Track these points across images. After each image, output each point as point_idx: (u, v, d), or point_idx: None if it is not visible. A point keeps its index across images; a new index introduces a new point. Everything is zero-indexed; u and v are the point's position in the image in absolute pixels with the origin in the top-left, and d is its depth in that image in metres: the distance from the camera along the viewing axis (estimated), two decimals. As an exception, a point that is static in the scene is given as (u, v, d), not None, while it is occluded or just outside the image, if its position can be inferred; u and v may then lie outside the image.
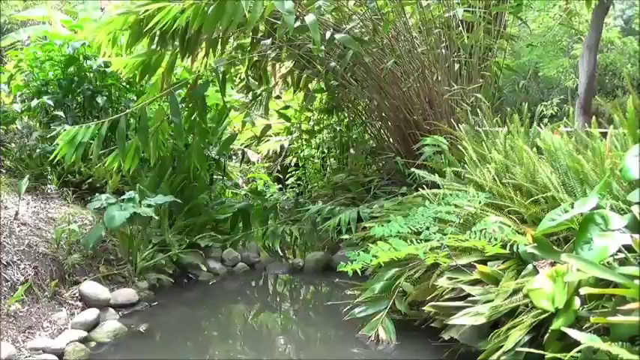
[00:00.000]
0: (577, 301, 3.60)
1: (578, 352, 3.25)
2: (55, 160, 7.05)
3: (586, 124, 5.68)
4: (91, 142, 6.86)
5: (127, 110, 7.23)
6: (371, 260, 4.66)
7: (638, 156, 3.96)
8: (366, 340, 5.20)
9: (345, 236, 6.83)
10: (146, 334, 5.65)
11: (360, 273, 4.85)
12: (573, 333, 3.14)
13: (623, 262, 3.53)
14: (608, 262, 3.52)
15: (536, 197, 4.78)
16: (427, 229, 4.91)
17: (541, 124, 5.94)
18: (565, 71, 12.70)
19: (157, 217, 6.93)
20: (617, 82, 12.81)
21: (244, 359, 5.37)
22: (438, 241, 4.70)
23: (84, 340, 5.22)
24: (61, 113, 7.97)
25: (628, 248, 3.54)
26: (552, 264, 4.01)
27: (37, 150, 7.80)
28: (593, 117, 5.38)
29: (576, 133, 5.39)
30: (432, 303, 4.73)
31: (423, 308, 4.85)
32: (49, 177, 7.72)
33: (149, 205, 6.53)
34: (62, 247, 6.29)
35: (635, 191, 3.86)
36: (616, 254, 3.61)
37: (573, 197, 4.45)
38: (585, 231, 3.79)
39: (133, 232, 6.87)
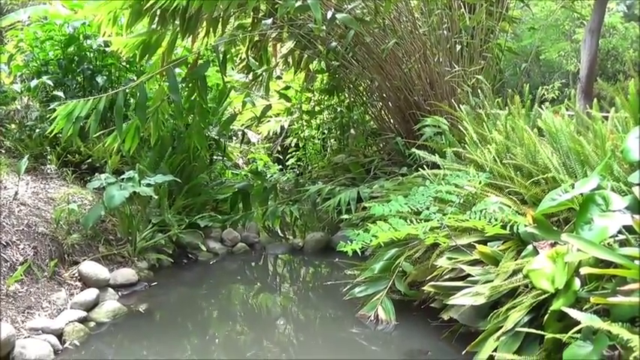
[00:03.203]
0: (577, 282, 3.58)
1: (577, 332, 3.25)
2: (55, 141, 7.03)
3: (587, 107, 5.65)
4: (89, 119, 6.83)
5: (126, 87, 7.19)
6: (371, 240, 4.65)
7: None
8: (366, 320, 5.21)
9: (345, 216, 6.82)
10: (145, 314, 5.65)
11: (359, 253, 4.84)
12: (573, 313, 3.14)
13: (624, 244, 3.52)
14: (608, 244, 3.50)
15: (536, 178, 4.76)
16: (427, 209, 4.90)
17: (542, 107, 5.91)
18: (567, 55, 12.67)
19: (156, 197, 6.93)
20: (619, 66, 12.77)
21: (244, 339, 5.37)
22: (438, 221, 4.68)
23: (83, 320, 5.22)
24: (60, 93, 7.93)
25: (629, 229, 3.53)
26: (552, 245, 4.00)
27: (37, 130, 7.79)
28: (595, 99, 5.36)
29: (577, 115, 5.36)
30: (432, 283, 4.72)
31: (423, 288, 4.86)
32: (48, 157, 7.71)
33: (148, 185, 6.51)
34: (61, 227, 6.28)
35: (635, 172, 3.84)
36: (616, 235, 3.59)
37: (574, 178, 4.44)
38: (586, 211, 3.78)
39: (132, 212, 6.86)
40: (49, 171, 7.57)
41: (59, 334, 4.88)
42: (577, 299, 3.53)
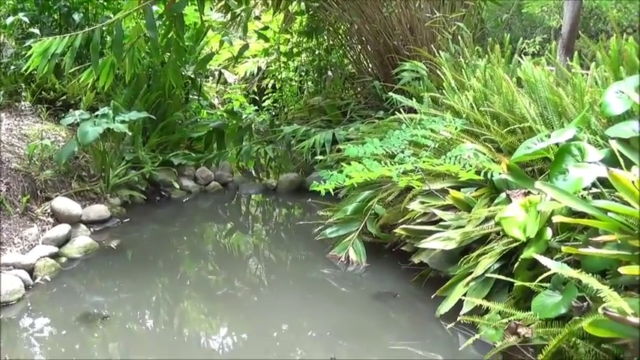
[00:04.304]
0: (549, 232, 3.61)
1: (547, 281, 3.28)
2: (30, 78, 6.94)
3: (568, 61, 5.64)
4: (64, 56, 6.72)
5: (102, 24, 7.06)
6: (344, 180, 4.64)
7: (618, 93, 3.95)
8: (336, 261, 5.26)
9: (320, 157, 6.82)
10: (117, 250, 5.65)
11: (332, 194, 4.84)
12: (543, 260, 3.16)
13: (597, 197, 3.53)
14: (582, 196, 3.52)
15: (513, 127, 4.76)
16: (402, 152, 4.89)
17: (522, 58, 5.89)
18: (549, 11, 12.57)
19: (130, 134, 6.87)
20: (602, 26, 12.70)
21: (215, 279, 5.38)
22: (413, 164, 4.68)
23: (55, 256, 5.22)
24: (36, 30, 7.78)
25: (603, 183, 3.54)
26: (526, 194, 4.02)
27: (12, 67, 7.67)
28: (575, 53, 5.35)
29: (557, 68, 5.35)
30: (404, 226, 4.75)
31: (394, 231, 4.88)
32: (23, 94, 7.63)
33: (123, 122, 6.44)
34: (35, 164, 6.25)
35: (613, 126, 3.85)
36: (590, 188, 3.61)
37: (550, 129, 4.43)
38: (561, 161, 3.78)
39: (106, 148, 6.81)
40: (23, 108, 7.50)
41: (30, 270, 4.87)
42: (548, 249, 3.57)
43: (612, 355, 2.85)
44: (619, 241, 2.99)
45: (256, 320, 4.40)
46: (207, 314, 4.64)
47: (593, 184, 3.59)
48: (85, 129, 6.20)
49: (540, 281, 3.27)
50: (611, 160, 3.60)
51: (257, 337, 4.17)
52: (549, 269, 3.11)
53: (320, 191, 4.69)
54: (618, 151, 3.55)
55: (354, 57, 9.78)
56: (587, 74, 4.76)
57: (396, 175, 4.63)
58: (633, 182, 2.90)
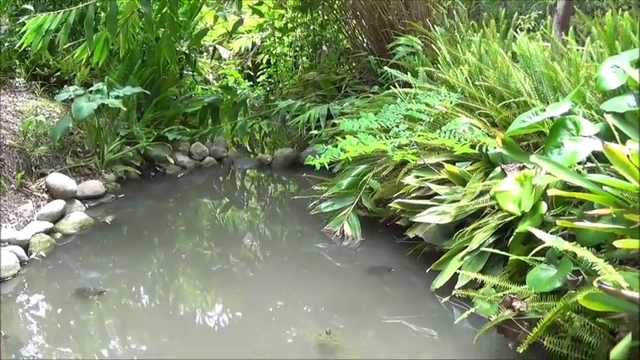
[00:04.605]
0: (544, 206, 3.61)
1: (542, 255, 3.28)
2: (24, 54, 6.91)
3: (563, 36, 5.61)
4: (58, 32, 6.68)
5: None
6: (339, 154, 4.62)
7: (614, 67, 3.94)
8: (331, 236, 5.27)
9: (314, 132, 6.80)
10: (112, 225, 5.65)
11: (327, 169, 4.84)
12: (538, 233, 3.16)
13: (592, 171, 3.53)
14: (577, 170, 3.51)
15: (508, 101, 4.75)
16: (397, 126, 4.88)
17: (517, 32, 5.86)
18: (546, -14, 12.50)
19: (124, 109, 6.83)
20: (597, 2, 12.65)
21: (210, 254, 5.39)
22: (407, 138, 4.67)
23: (50, 232, 5.22)
24: (30, 7, 7.74)
25: (598, 157, 3.54)
26: (521, 168, 4.01)
27: (6, 44, 7.61)
28: (571, 28, 5.33)
29: (553, 43, 5.33)
30: (398, 200, 4.74)
31: (389, 205, 4.88)
32: (17, 71, 7.60)
33: (117, 97, 6.42)
34: (29, 140, 6.23)
35: (608, 101, 3.84)
36: (585, 163, 3.61)
37: (545, 104, 4.41)
38: (556, 135, 3.77)
39: (100, 124, 6.79)
40: (17, 84, 7.49)
41: (25, 246, 4.87)
42: (543, 223, 3.57)
43: (607, 329, 2.85)
44: (614, 215, 2.98)
45: (251, 295, 4.42)
46: (203, 289, 4.66)
47: (588, 159, 3.59)
48: (80, 105, 6.18)
49: (535, 255, 3.27)
50: (606, 134, 3.59)
51: (252, 311, 4.18)
52: (544, 243, 3.11)
53: (315, 166, 4.69)
54: (613, 125, 3.54)
55: (349, 32, 9.72)
56: (583, 50, 4.75)
57: (391, 149, 4.61)
58: (628, 156, 2.90)
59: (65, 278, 4.62)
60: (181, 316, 4.15)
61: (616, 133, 3.46)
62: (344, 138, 4.73)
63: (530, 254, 3.31)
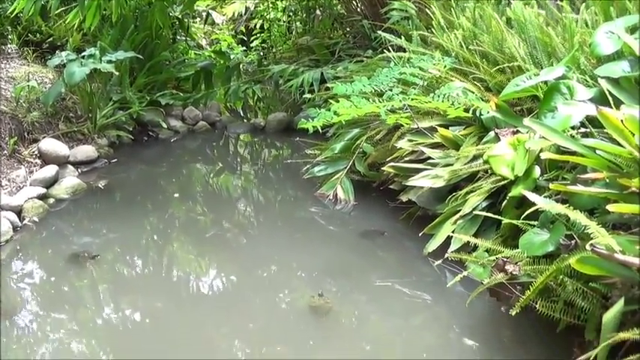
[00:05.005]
0: (537, 170, 3.61)
1: (534, 219, 3.29)
2: (16, 20, 6.86)
3: (558, 1, 5.57)
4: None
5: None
6: (332, 117, 4.61)
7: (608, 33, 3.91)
8: (324, 200, 5.27)
9: (308, 96, 6.77)
10: (105, 190, 5.65)
11: (320, 132, 4.83)
12: (531, 196, 3.16)
13: (586, 136, 3.53)
14: (571, 135, 3.51)
15: (502, 66, 4.73)
16: (390, 90, 4.86)
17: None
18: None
19: (117, 74, 6.79)
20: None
21: (204, 220, 5.40)
22: (401, 101, 4.66)
23: (42, 197, 5.21)
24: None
25: (592, 122, 3.53)
26: (514, 132, 4.00)
27: (-2, 10, 7.57)
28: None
29: (547, 8, 5.29)
30: (392, 164, 4.75)
31: (382, 169, 4.88)
32: (9, 37, 7.55)
33: (109, 61, 6.36)
34: (21, 105, 6.21)
35: (603, 66, 3.82)
36: (579, 128, 3.61)
37: (540, 69, 4.39)
38: (550, 99, 3.77)
39: (93, 89, 6.74)
40: (9, 51, 7.45)
41: (18, 211, 4.87)
42: (536, 187, 3.56)
43: (600, 293, 2.87)
44: (607, 180, 2.99)
45: (245, 259, 4.43)
46: (196, 254, 4.67)
47: (582, 124, 3.58)
48: (72, 70, 6.14)
49: (527, 219, 3.28)
50: (600, 100, 3.58)
51: (245, 276, 4.20)
52: (537, 206, 3.12)
53: (308, 130, 4.68)
54: (607, 90, 3.53)
55: (343, -4, 9.66)
56: (578, 17, 4.72)
57: (384, 112, 4.60)
58: (622, 121, 2.89)
59: (58, 243, 4.62)
60: (175, 281, 4.17)
61: (610, 98, 3.45)
62: (337, 102, 4.72)
63: (522, 216, 3.32)
